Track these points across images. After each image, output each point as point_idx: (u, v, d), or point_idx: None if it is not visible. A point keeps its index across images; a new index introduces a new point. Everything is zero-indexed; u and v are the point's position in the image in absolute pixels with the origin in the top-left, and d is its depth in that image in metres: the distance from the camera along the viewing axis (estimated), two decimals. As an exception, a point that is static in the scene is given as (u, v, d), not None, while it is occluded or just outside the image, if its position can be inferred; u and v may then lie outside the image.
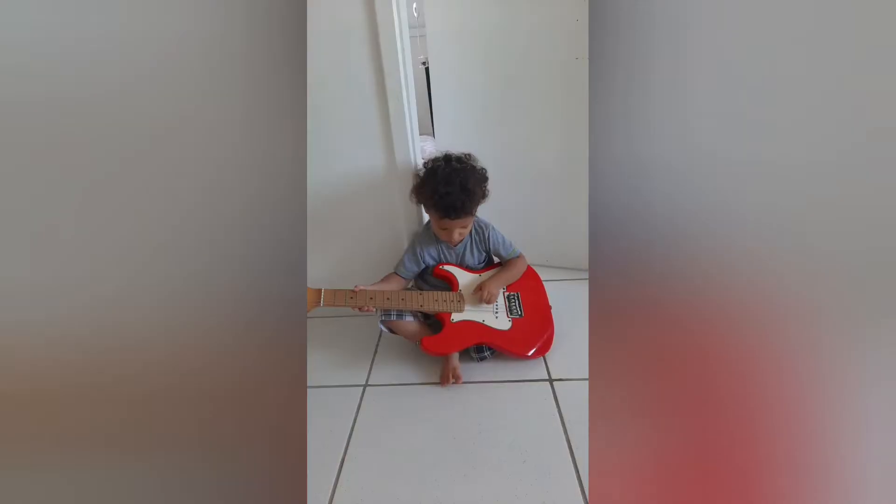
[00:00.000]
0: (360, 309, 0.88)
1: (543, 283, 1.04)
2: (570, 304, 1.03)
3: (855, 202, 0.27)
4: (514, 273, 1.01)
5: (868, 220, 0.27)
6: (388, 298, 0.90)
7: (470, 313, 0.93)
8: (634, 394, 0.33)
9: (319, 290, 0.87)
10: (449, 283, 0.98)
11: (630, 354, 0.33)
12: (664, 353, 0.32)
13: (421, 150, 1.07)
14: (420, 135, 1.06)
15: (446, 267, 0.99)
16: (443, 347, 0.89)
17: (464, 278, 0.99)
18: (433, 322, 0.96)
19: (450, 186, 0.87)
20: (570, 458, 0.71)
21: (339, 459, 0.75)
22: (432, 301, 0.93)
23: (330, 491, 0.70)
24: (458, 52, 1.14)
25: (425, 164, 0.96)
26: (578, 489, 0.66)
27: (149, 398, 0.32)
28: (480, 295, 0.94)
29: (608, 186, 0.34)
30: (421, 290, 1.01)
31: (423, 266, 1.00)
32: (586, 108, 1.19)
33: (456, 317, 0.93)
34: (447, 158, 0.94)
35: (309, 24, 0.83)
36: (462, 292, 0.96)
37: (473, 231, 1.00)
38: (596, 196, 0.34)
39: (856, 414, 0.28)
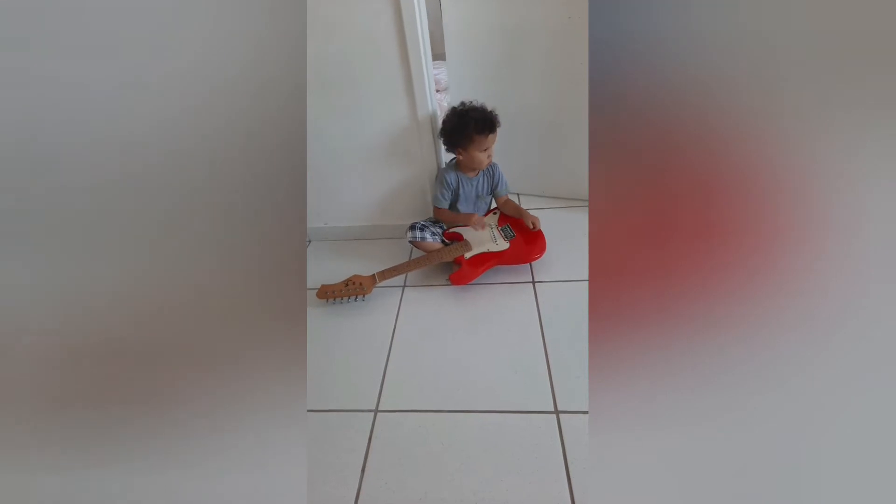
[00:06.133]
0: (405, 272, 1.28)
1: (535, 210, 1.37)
2: (551, 227, 1.37)
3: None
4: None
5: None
6: (419, 262, 1.26)
7: (477, 249, 1.29)
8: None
9: (374, 276, 1.24)
10: (459, 239, 1.34)
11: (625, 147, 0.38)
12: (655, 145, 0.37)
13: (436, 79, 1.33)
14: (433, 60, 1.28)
15: (453, 229, 1.35)
16: (466, 277, 1.25)
17: (466, 233, 1.34)
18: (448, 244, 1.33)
19: (482, 112, 1.21)
20: (539, 327, 1.12)
21: (394, 318, 1.19)
22: (448, 252, 1.29)
23: (391, 326, 1.16)
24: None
25: (451, 110, 1.25)
26: (541, 341, 1.07)
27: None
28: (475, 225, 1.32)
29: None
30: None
31: (451, 189, 1.32)
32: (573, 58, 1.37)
33: (468, 255, 1.29)
34: (463, 104, 1.24)
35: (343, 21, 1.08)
36: (467, 241, 1.31)
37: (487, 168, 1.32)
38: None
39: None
